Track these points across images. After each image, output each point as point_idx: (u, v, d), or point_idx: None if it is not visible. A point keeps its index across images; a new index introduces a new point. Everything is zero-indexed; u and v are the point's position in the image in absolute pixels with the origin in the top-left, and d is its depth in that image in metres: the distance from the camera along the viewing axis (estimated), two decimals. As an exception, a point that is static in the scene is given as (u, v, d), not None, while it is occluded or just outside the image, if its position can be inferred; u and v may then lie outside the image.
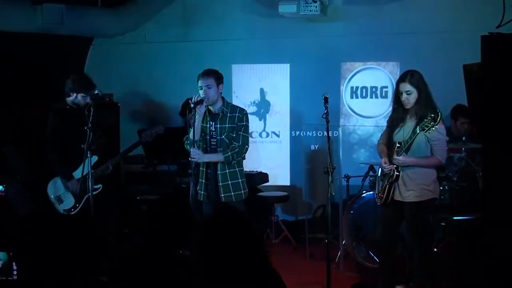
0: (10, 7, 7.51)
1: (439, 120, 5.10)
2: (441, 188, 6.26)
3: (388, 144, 5.60)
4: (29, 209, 6.56)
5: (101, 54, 9.07)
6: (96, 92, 5.88)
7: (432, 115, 5.10)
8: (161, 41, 8.97)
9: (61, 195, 6.16)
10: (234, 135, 5.63)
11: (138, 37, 9.00)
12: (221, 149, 5.63)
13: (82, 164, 5.70)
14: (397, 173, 5.37)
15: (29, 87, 7.66)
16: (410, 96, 5.35)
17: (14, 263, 3.30)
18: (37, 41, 7.83)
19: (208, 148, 5.70)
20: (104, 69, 8.83)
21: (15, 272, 3.38)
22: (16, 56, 7.69)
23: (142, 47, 9.01)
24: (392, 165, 5.42)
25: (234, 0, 8.79)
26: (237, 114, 5.66)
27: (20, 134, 7.38)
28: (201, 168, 5.70)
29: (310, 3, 7.65)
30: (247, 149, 5.72)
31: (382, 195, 5.54)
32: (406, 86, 5.36)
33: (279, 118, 8.75)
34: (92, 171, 5.79)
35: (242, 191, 5.73)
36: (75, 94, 6.16)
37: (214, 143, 5.68)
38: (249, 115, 5.84)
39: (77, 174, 5.99)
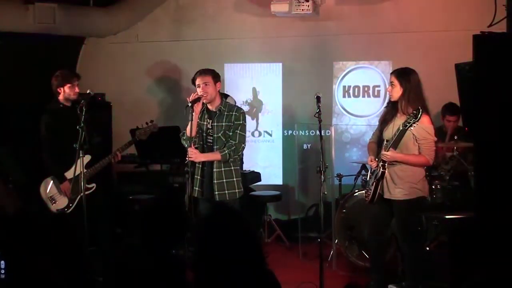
0: (2, 7, 7.48)
1: (419, 117, 5.14)
2: (433, 187, 6.31)
3: (378, 142, 5.65)
4: (17, 209, 6.54)
5: (93, 53, 9.05)
6: (88, 91, 5.87)
7: (414, 111, 5.16)
8: (153, 40, 8.96)
9: (54, 195, 6.14)
10: (230, 134, 5.68)
11: (131, 37, 8.99)
12: (217, 146, 5.69)
13: (75, 164, 5.68)
14: (382, 170, 5.40)
15: (21, 87, 7.64)
16: (393, 88, 5.46)
17: (2, 262, 3.27)
18: (29, 41, 7.80)
19: (205, 146, 5.78)
20: (96, 69, 8.83)
21: (3, 271, 3.35)
22: (8, 55, 7.67)
23: (135, 46, 8.99)
24: (378, 163, 5.45)
25: (226, -1, 8.80)
26: (234, 113, 5.72)
27: (13, 134, 7.35)
28: (197, 165, 5.78)
29: (303, 3, 7.65)
30: (243, 147, 5.79)
31: (369, 193, 5.58)
32: (391, 77, 5.52)
33: (272, 117, 8.76)
34: (86, 170, 5.79)
35: (237, 190, 5.77)
36: (62, 89, 6.17)
37: (211, 140, 5.74)
38: (243, 114, 5.88)
39: (71, 173, 5.98)
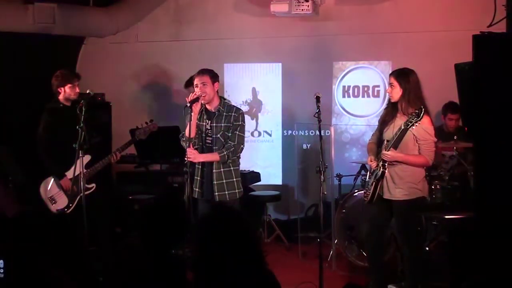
0: (1, 7, 7.47)
1: (422, 116, 5.14)
2: (432, 187, 6.31)
3: (378, 142, 5.64)
4: (17, 211, 6.54)
5: (93, 53, 9.05)
6: (88, 91, 5.88)
7: (416, 111, 5.17)
8: (153, 41, 8.97)
9: (54, 195, 6.14)
10: (229, 134, 5.66)
11: (130, 37, 8.99)
12: (216, 147, 5.67)
13: (74, 164, 5.68)
14: (383, 170, 5.39)
15: (21, 87, 7.64)
16: (393, 89, 5.45)
17: (1, 261, 3.27)
18: (29, 41, 7.80)
19: (204, 146, 5.76)
20: (96, 69, 8.82)
21: (1, 271, 3.35)
22: (8, 55, 7.66)
23: (134, 46, 8.99)
24: (378, 162, 5.45)
25: (226, -1, 8.81)
26: (233, 114, 5.69)
27: (13, 134, 7.35)
28: (196, 166, 5.76)
29: (302, 3, 7.65)
30: (242, 148, 5.76)
31: (368, 193, 5.58)
32: (390, 78, 5.52)
33: (271, 117, 8.76)
34: (85, 170, 5.79)
35: (237, 190, 5.76)
36: (62, 89, 6.19)
37: (210, 141, 5.72)
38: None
39: (71, 173, 5.98)
